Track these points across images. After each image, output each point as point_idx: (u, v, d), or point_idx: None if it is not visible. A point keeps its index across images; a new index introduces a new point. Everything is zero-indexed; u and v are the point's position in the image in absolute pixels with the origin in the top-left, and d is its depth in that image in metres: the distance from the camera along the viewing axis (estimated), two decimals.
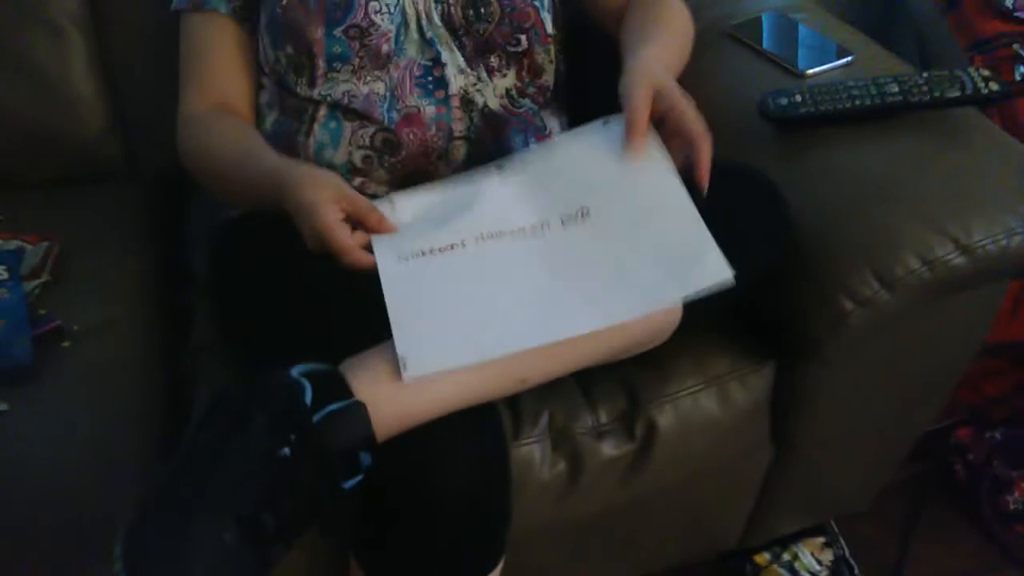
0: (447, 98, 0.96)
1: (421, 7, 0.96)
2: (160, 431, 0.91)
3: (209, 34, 1.00)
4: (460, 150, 0.96)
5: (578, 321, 0.77)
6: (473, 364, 0.74)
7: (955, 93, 0.93)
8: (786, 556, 1.29)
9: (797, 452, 1.09)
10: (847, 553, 1.30)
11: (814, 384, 0.99)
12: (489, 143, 0.97)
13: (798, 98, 0.94)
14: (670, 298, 0.79)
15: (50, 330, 0.93)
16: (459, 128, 0.96)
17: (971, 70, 0.94)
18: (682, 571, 1.28)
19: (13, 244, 1.01)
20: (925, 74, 0.94)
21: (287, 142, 0.98)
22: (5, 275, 0.94)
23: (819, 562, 1.29)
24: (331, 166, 0.96)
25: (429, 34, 0.95)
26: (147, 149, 1.20)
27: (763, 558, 1.29)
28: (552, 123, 1.03)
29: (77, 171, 1.17)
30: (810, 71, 1.02)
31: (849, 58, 1.03)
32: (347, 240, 0.79)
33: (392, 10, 0.94)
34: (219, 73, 1.00)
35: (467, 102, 0.96)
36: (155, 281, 1.07)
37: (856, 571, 1.29)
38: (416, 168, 0.96)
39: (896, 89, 0.94)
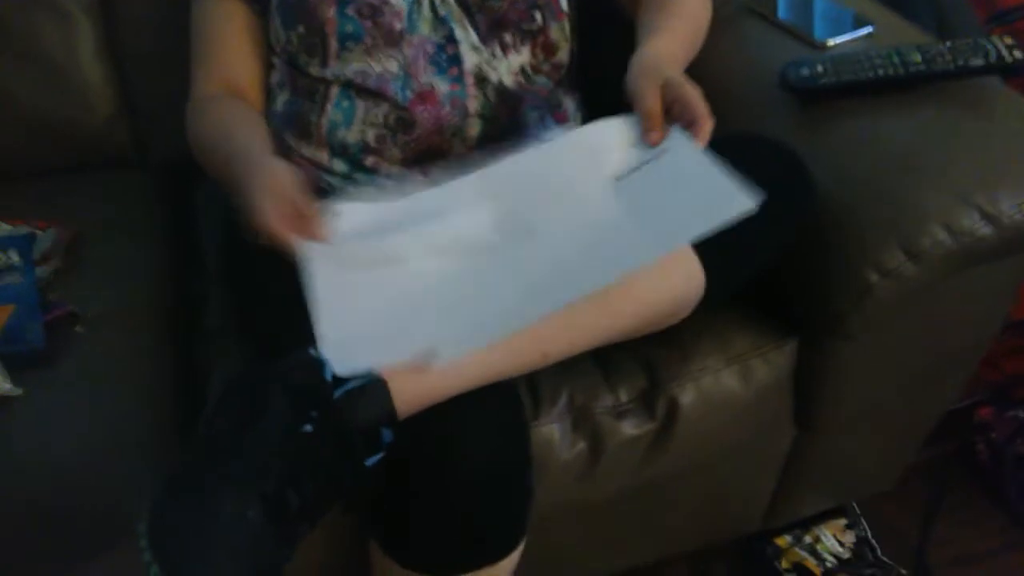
0: (461, 75, 0.94)
1: None
2: (173, 416, 0.90)
3: (217, 17, 1.00)
4: (475, 127, 0.95)
5: (604, 271, 0.75)
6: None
7: (979, 62, 0.91)
8: (808, 538, 1.28)
9: (819, 432, 1.08)
10: (869, 535, 1.29)
11: (837, 361, 0.97)
12: (504, 120, 0.96)
13: (820, 69, 0.92)
14: (697, 233, 0.75)
15: (62, 315, 0.93)
16: (474, 105, 0.94)
17: (995, 38, 0.92)
18: (702, 554, 1.28)
19: (24, 230, 1.00)
20: (948, 43, 0.93)
21: (300, 122, 0.97)
22: (17, 260, 0.94)
23: (841, 544, 1.28)
24: (344, 145, 0.95)
25: (442, 12, 0.94)
26: (157, 136, 1.19)
27: (784, 540, 1.28)
28: (567, 101, 1.02)
29: (86, 158, 1.17)
30: (831, 42, 1.00)
31: (869, 28, 1.02)
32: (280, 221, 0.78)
33: None
34: (226, 57, 1.00)
35: (481, 79, 0.95)
36: (167, 268, 1.06)
37: (879, 552, 1.27)
38: (430, 146, 0.94)
39: (919, 58, 0.92)
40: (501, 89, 0.96)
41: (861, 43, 1.01)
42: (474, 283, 0.77)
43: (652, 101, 0.82)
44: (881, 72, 0.92)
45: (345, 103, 0.95)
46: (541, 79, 0.99)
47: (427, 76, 0.94)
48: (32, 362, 0.88)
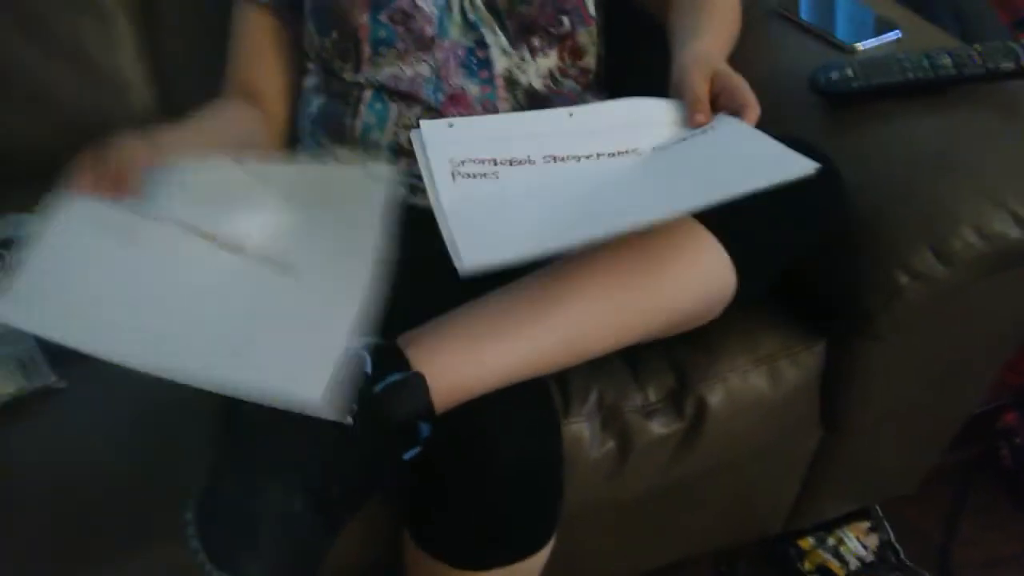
0: (491, 78, 0.96)
1: None
2: (217, 407, 0.91)
3: (244, 24, 1.03)
4: None
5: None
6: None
7: (1009, 65, 0.91)
8: (831, 540, 1.29)
9: (845, 434, 1.09)
10: (892, 537, 1.29)
11: (865, 362, 0.98)
12: None
13: (850, 72, 0.93)
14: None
15: None
16: (505, 108, 0.96)
17: None
18: (725, 554, 1.28)
19: None
20: (978, 47, 0.93)
21: (334, 124, 0.98)
22: None
23: (864, 547, 1.28)
24: (376, 147, 0.96)
25: (472, 17, 0.96)
26: None
27: (808, 542, 1.29)
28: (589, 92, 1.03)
29: None
30: (860, 45, 1.01)
31: (898, 32, 1.02)
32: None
33: None
34: (246, 62, 1.03)
35: (511, 82, 0.96)
36: None
37: (902, 555, 1.28)
38: None
39: (949, 62, 0.92)
40: (531, 92, 0.97)
41: (890, 47, 1.01)
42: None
43: (701, 88, 0.82)
44: (911, 76, 0.92)
45: (378, 105, 0.96)
46: (569, 83, 1.00)
47: (458, 79, 0.95)
48: (75, 355, 0.89)
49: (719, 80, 0.83)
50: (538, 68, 0.98)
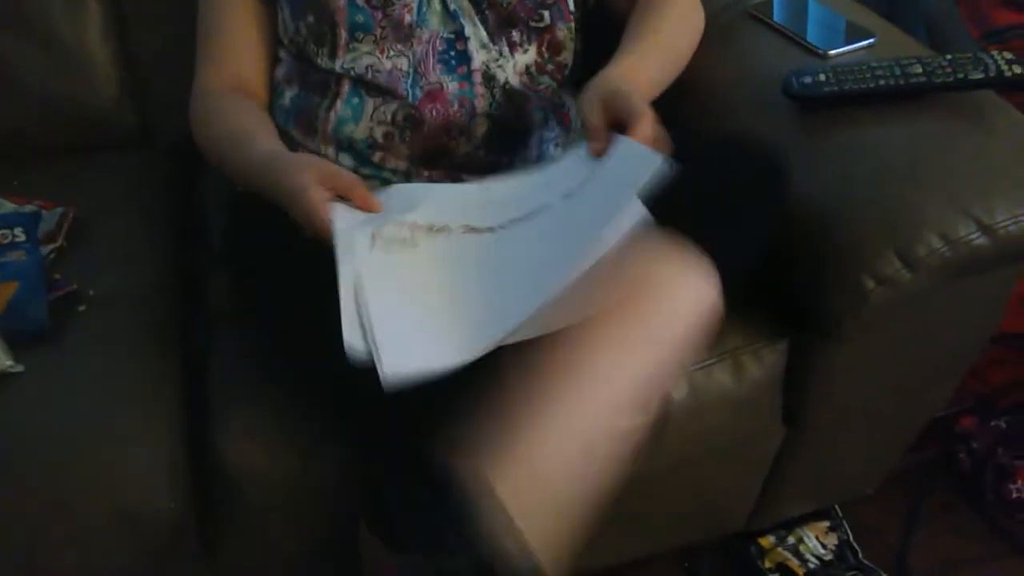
0: (469, 73, 0.95)
1: None
2: (173, 396, 0.91)
3: (225, 7, 1.00)
4: (482, 126, 0.96)
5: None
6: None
7: (979, 75, 0.93)
8: (791, 539, 1.30)
9: (808, 433, 1.10)
10: (851, 537, 1.31)
11: (830, 362, 0.99)
12: (512, 119, 0.97)
13: (822, 77, 0.94)
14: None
15: (66, 294, 0.93)
16: (482, 105, 0.95)
17: (995, 53, 0.94)
18: (687, 552, 1.29)
19: (29, 209, 1.00)
20: (949, 56, 0.95)
21: (307, 116, 0.97)
22: (23, 237, 0.94)
23: (824, 546, 1.30)
24: (351, 141, 0.95)
25: (452, 6, 0.95)
26: (162, 118, 1.20)
27: (768, 541, 1.30)
28: (569, 101, 1.03)
29: (92, 139, 1.17)
30: (833, 51, 1.01)
31: (871, 39, 1.03)
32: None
33: None
34: (234, 49, 1.00)
35: (489, 78, 0.96)
36: (170, 249, 1.07)
37: (860, 555, 1.29)
38: (437, 143, 0.95)
39: (920, 70, 0.94)
40: (508, 89, 0.97)
41: (863, 54, 1.02)
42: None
43: (592, 117, 0.84)
44: (883, 82, 0.93)
45: (355, 100, 0.95)
46: (545, 79, 1.00)
47: (436, 74, 0.95)
48: (35, 340, 0.88)
49: (613, 101, 0.83)
50: (515, 64, 0.97)
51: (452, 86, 0.95)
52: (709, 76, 1.02)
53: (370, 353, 0.69)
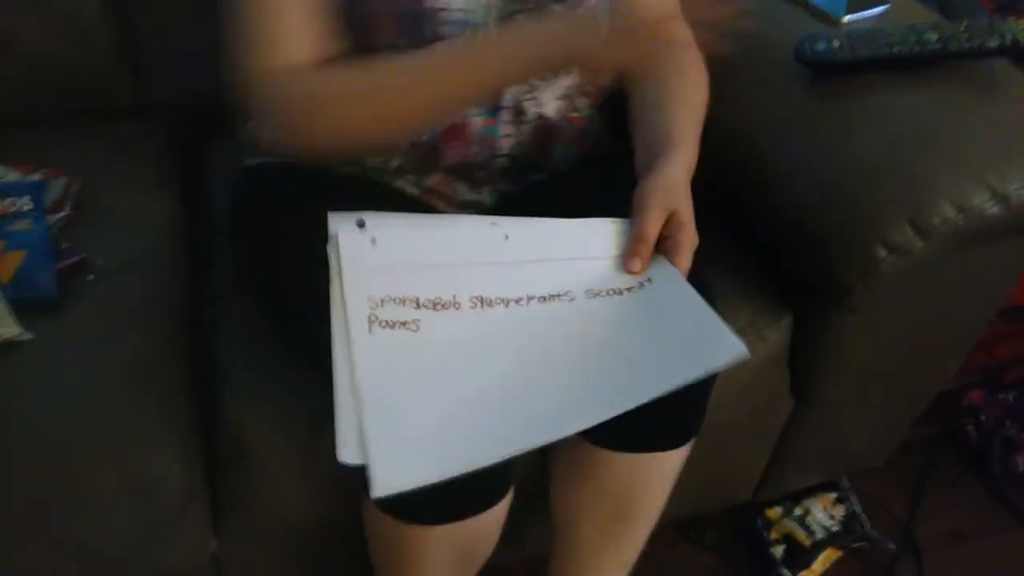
0: (497, 110, 0.89)
1: (492, 17, 0.86)
2: (181, 365, 0.91)
3: None
4: (500, 163, 0.93)
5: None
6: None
7: (995, 43, 0.92)
8: (798, 511, 1.30)
9: (816, 406, 1.10)
10: (859, 509, 1.31)
11: (837, 336, 0.99)
12: (533, 156, 0.93)
13: (836, 43, 0.93)
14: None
15: (74, 263, 0.92)
16: (505, 144, 0.91)
17: (1011, 21, 0.93)
18: (694, 523, 1.29)
19: (36, 177, 0.99)
20: (965, 23, 0.93)
21: None
22: (30, 206, 0.93)
23: (831, 517, 1.30)
24: (363, 159, 0.91)
25: None
26: (162, 86, 1.18)
27: (775, 512, 1.30)
28: (598, 131, 0.99)
29: (91, 107, 1.15)
30: (846, 18, 1.00)
31: (885, 6, 1.02)
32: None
33: (467, 18, 0.84)
34: (299, 29, 0.82)
35: (518, 113, 0.90)
36: (177, 219, 1.06)
37: (867, 527, 1.29)
38: (450, 168, 0.92)
39: (935, 37, 0.93)
40: (537, 124, 0.91)
41: (876, 20, 1.01)
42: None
43: (651, 230, 0.78)
44: (897, 49, 0.92)
45: None
46: (582, 104, 0.95)
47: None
48: (43, 309, 0.87)
49: (672, 223, 0.79)
50: (556, 89, 0.91)
51: (477, 121, 0.88)
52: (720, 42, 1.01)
53: (363, 465, 0.62)
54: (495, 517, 0.82)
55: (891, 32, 0.93)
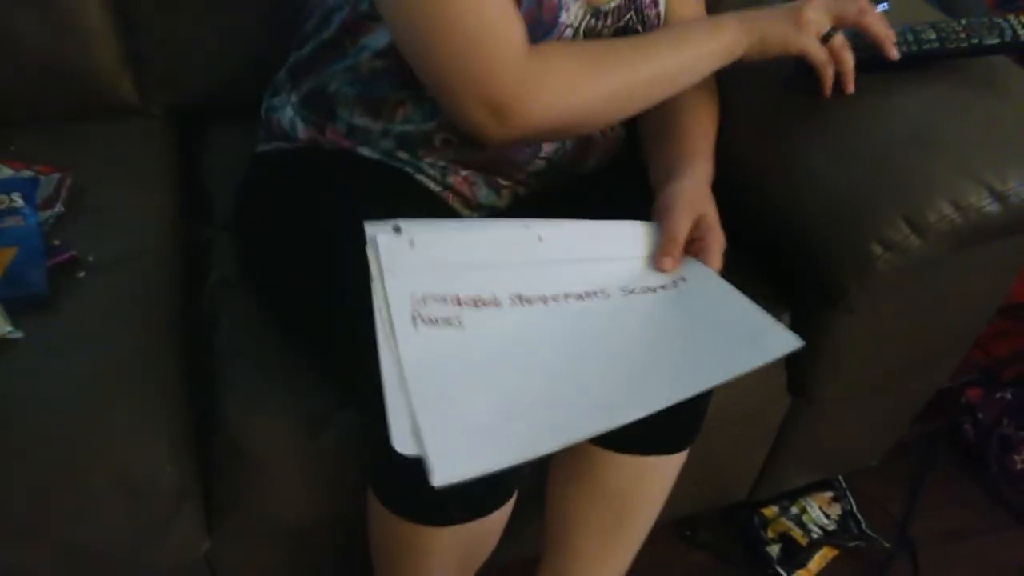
0: None
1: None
2: (174, 364, 0.90)
3: None
4: (536, 166, 0.93)
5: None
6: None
7: (994, 40, 0.91)
8: (794, 509, 1.30)
9: (813, 405, 1.09)
10: (855, 508, 1.31)
11: (837, 333, 0.98)
12: (567, 165, 0.94)
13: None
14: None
15: (65, 260, 0.92)
16: (547, 150, 0.91)
17: (1010, 17, 0.92)
18: (689, 521, 1.29)
19: (27, 174, 0.99)
20: (963, 21, 0.93)
21: (375, 99, 0.87)
22: (20, 203, 0.92)
23: (827, 516, 1.30)
24: (406, 135, 0.88)
25: None
26: (161, 84, 1.17)
27: (771, 511, 1.30)
28: (623, 143, 1.00)
29: (89, 104, 1.15)
30: None
31: (885, 5, 1.01)
32: None
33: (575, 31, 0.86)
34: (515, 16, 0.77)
35: None
36: (171, 214, 1.05)
37: (863, 526, 1.29)
38: (487, 163, 0.91)
39: (933, 36, 0.92)
40: (582, 137, 0.93)
41: None
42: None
43: (681, 232, 0.81)
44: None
45: (428, 104, 0.87)
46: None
47: None
48: (34, 307, 0.87)
49: (701, 226, 0.81)
50: None
51: None
52: None
53: (420, 454, 0.62)
54: (500, 518, 0.83)
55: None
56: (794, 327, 0.98)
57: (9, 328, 0.84)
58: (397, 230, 0.73)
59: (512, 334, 0.72)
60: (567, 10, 0.83)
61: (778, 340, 0.74)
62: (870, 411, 1.19)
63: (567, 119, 0.80)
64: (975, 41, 0.91)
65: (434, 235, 0.76)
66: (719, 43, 0.85)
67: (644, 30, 0.90)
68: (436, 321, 0.70)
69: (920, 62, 0.92)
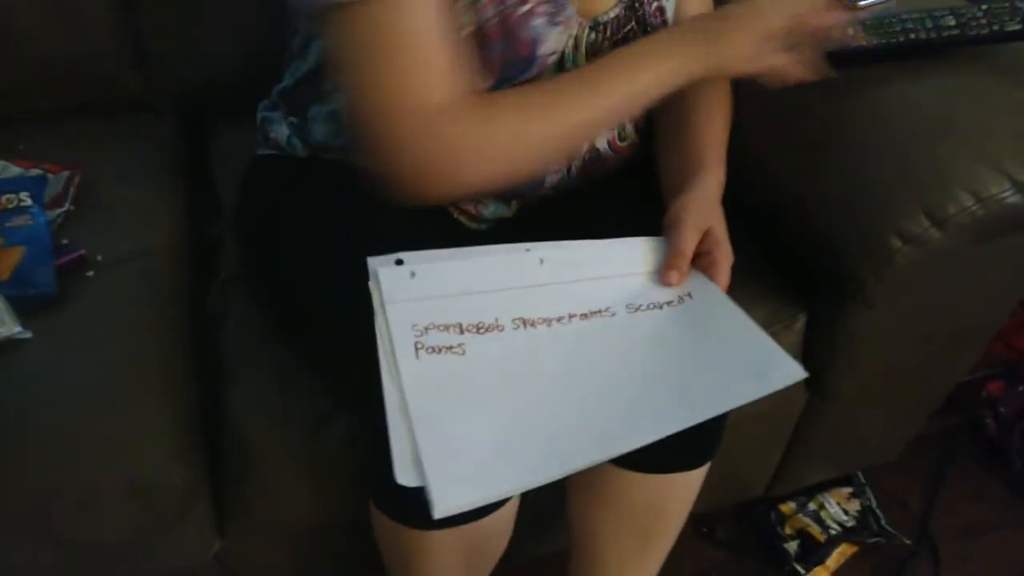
0: None
1: (582, 52, 0.85)
2: (184, 363, 0.90)
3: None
4: (544, 192, 0.91)
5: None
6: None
7: (1015, 26, 0.89)
8: (812, 505, 1.29)
9: (831, 400, 1.08)
10: (874, 504, 1.29)
11: (855, 327, 0.96)
12: (571, 190, 0.92)
13: (850, 31, 0.90)
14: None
15: (73, 259, 0.91)
16: (552, 180, 0.90)
17: None
18: (707, 518, 1.28)
19: (35, 172, 0.98)
20: (984, 6, 0.91)
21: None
22: (29, 201, 0.92)
23: (845, 512, 1.28)
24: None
25: (568, 65, 0.84)
26: (167, 81, 1.17)
27: (789, 507, 1.29)
28: (637, 156, 0.97)
29: (96, 101, 1.14)
30: (862, 3, 0.98)
31: None
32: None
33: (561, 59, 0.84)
34: (453, 60, 0.73)
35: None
36: (180, 213, 1.05)
37: (883, 522, 1.28)
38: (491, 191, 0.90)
39: (953, 22, 0.90)
40: (589, 156, 0.90)
41: (893, 5, 0.98)
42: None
43: (688, 246, 0.79)
44: (913, 36, 0.90)
45: None
46: (630, 129, 0.93)
47: None
48: (42, 306, 0.86)
49: (708, 240, 0.80)
50: None
51: None
52: None
53: (421, 484, 0.63)
54: (502, 518, 0.82)
55: (907, 18, 0.91)
56: (811, 322, 0.97)
57: (18, 328, 0.84)
58: (399, 263, 0.74)
59: (515, 359, 0.72)
60: (543, 42, 0.80)
61: (782, 371, 0.72)
62: (889, 406, 1.17)
63: (463, 185, 0.76)
64: (996, 27, 0.89)
65: (435, 265, 0.76)
66: (635, 86, 0.77)
67: None
68: (439, 350, 0.71)
69: (939, 49, 0.90)
